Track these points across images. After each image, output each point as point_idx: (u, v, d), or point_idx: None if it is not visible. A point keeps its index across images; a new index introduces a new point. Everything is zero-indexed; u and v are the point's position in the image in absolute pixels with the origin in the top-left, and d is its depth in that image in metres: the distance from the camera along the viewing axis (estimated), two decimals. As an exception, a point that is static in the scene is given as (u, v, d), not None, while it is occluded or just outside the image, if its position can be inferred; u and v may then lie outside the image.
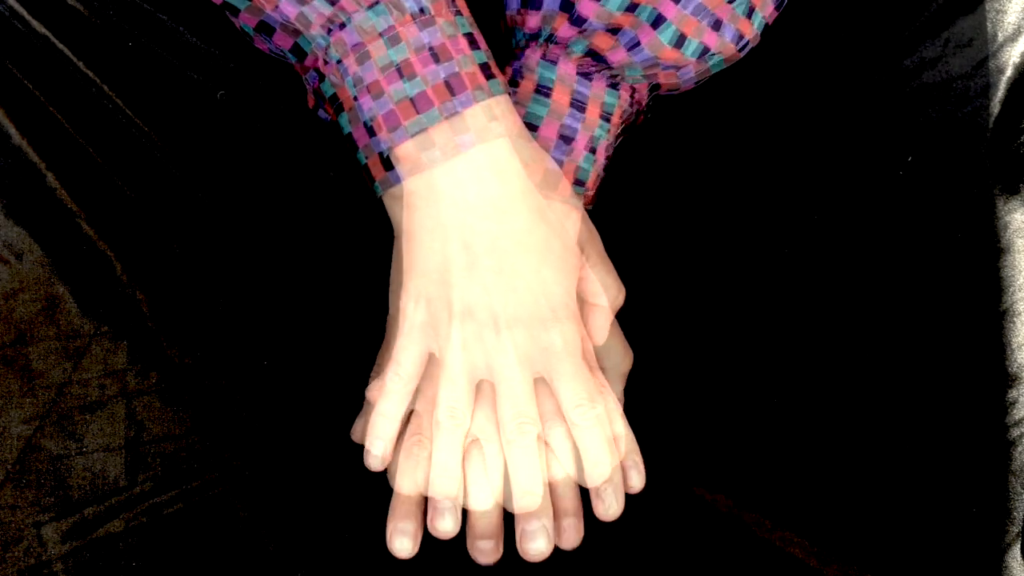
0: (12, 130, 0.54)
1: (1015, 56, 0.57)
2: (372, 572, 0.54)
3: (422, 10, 0.50)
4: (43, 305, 0.54)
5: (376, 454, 0.53)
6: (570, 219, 0.52)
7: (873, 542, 0.54)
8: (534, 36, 0.54)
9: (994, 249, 0.56)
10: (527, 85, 0.55)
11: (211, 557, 0.53)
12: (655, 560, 0.53)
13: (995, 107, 0.57)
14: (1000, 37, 0.57)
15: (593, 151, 0.55)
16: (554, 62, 0.54)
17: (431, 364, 0.53)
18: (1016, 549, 0.54)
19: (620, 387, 0.56)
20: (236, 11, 0.52)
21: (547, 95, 0.54)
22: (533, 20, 0.54)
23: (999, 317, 0.56)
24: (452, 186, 0.50)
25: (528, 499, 0.52)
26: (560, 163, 0.54)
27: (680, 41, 0.53)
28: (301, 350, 0.56)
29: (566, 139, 0.54)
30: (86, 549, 0.52)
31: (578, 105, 0.54)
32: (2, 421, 0.53)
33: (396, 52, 0.50)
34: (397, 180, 0.51)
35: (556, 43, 0.54)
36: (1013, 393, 0.55)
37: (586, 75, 0.54)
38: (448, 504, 0.52)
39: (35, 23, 0.55)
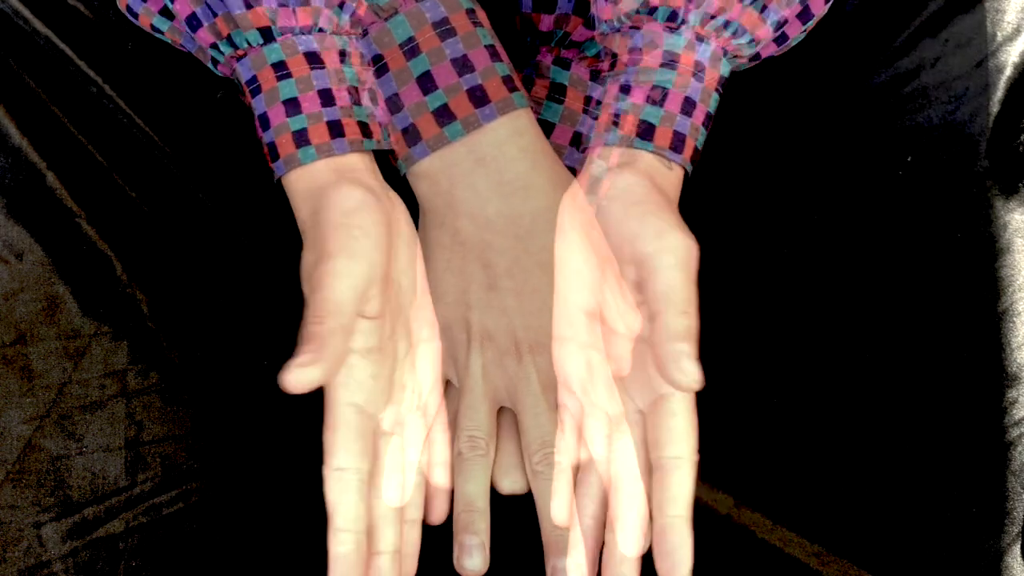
0: (12, 130, 0.54)
1: (1015, 56, 0.57)
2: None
3: (444, 20, 0.49)
4: (43, 305, 0.54)
5: (394, 486, 0.50)
6: (594, 230, 0.50)
7: (873, 542, 0.54)
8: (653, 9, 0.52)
9: (994, 249, 0.56)
10: (652, 59, 0.51)
11: (211, 557, 0.53)
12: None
13: (995, 107, 0.57)
14: (999, 37, 0.57)
15: (707, 124, 0.52)
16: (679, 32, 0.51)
17: (449, 389, 0.52)
18: (1016, 549, 0.54)
19: (688, 286, 0.48)
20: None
21: (673, 67, 0.51)
22: None
23: (999, 317, 0.56)
24: (473, 178, 0.49)
25: (557, 535, 0.49)
26: (682, 136, 0.51)
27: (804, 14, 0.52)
28: (301, 350, 0.56)
29: (688, 110, 0.51)
30: (86, 549, 0.52)
31: (698, 75, 0.52)
32: (2, 421, 0.53)
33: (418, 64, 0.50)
34: (423, 154, 0.50)
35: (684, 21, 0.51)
36: (1013, 393, 0.55)
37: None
38: (476, 541, 0.49)
39: (37, 23, 0.55)
